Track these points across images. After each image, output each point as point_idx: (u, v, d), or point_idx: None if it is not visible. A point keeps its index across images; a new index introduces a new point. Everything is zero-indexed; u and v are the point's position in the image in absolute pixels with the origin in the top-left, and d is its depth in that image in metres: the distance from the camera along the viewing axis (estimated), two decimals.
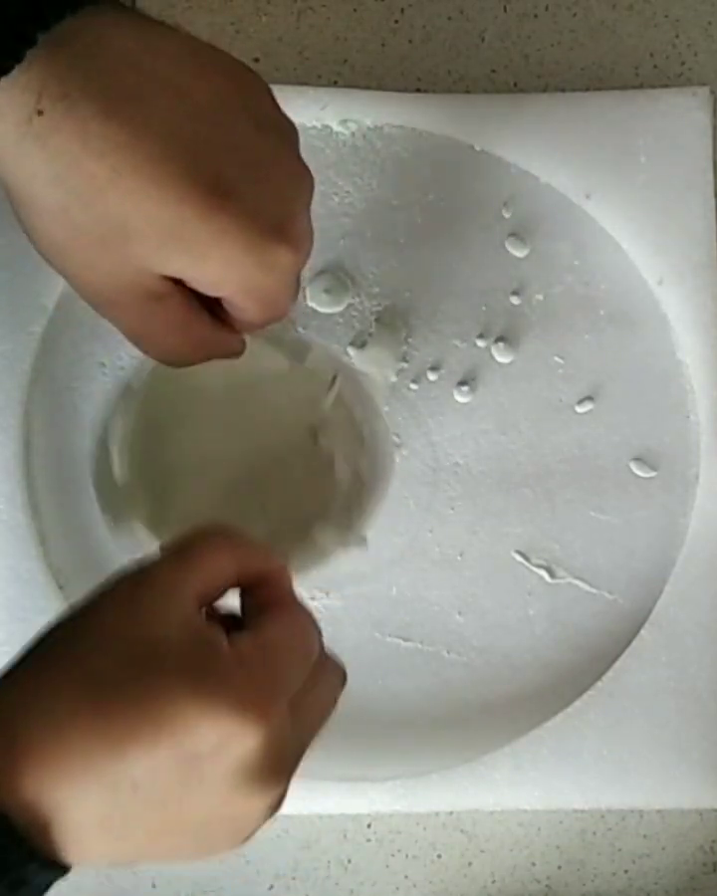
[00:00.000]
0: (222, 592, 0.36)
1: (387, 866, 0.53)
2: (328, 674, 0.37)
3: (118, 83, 0.32)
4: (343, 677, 0.38)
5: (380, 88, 0.54)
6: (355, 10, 0.55)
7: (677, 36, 0.55)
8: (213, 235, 0.33)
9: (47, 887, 0.32)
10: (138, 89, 0.33)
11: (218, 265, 0.34)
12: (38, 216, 0.34)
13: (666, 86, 0.54)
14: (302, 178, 0.37)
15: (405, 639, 0.52)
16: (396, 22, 0.55)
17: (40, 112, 0.31)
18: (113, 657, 0.32)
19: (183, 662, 0.32)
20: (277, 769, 0.33)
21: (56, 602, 0.52)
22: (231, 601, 0.37)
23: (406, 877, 0.53)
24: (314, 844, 0.53)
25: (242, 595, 0.37)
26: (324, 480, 0.43)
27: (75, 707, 0.31)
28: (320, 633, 0.37)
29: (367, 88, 0.54)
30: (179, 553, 0.35)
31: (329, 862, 0.53)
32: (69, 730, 0.31)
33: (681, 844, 0.53)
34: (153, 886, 0.52)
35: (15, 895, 0.30)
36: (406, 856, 0.53)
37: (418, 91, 0.54)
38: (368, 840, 0.53)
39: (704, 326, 0.52)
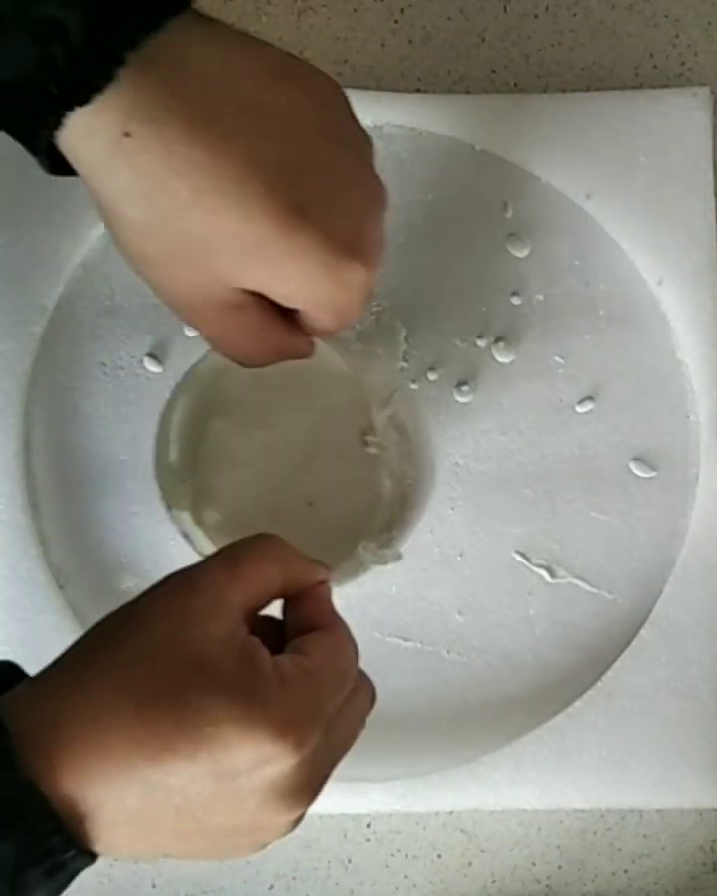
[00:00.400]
0: (268, 602, 0.37)
1: (387, 866, 0.53)
2: (361, 695, 0.38)
3: (201, 105, 0.33)
4: (373, 697, 0.39)
5: (380, 88, 0.54)
6: (355, 10, 0.55)
7: (677, 36, 0.55)
8: (290, 253, 0.35)
9: (76, 874, 0.33)
10: (220, 111, 0.34)
11: (294, 281, 0.36)
12: (125, 230, 0.36)
13: (666, 86, 0.54)
14: (376, 195, 0.38)
15: (405, 639, 0.52)
16: (396, 22, 0.55)
17: (128, 135, 0.33)
18: (159, 668, 0.33)
19: (227, 680, 0.33)
20: (306, 789, 0.34)
21: (56, 602, 0.52)
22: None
23: (406, 877, 0.53)
24: (314, 844, 0.53)
25: (285, 609, 0.39)
26: (371, 494, 0.44)
27: (120, 713, 0.32)
28: (358, 654, 0.38)
29: (367, 88, 0.54)
30: (228, 561, 0.36)
31: (329, 862, 0.53)
32: (112, 733, 0.32)
33: (681, 844, 0.53)
34: (153, 886, 0.52)
35: (51, 879, 0.32)
36: (406, 856, 0.53)
37: (418, 91, 0.54)
38: (368, 840, 0.53)
39: (704, 326, 0.52)
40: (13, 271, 0.53)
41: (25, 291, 0.53)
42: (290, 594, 0.38)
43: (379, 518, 0.44)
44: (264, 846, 0.36)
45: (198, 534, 0.44)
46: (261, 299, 0.37)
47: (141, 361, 0.53)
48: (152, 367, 0.53)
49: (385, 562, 0.45)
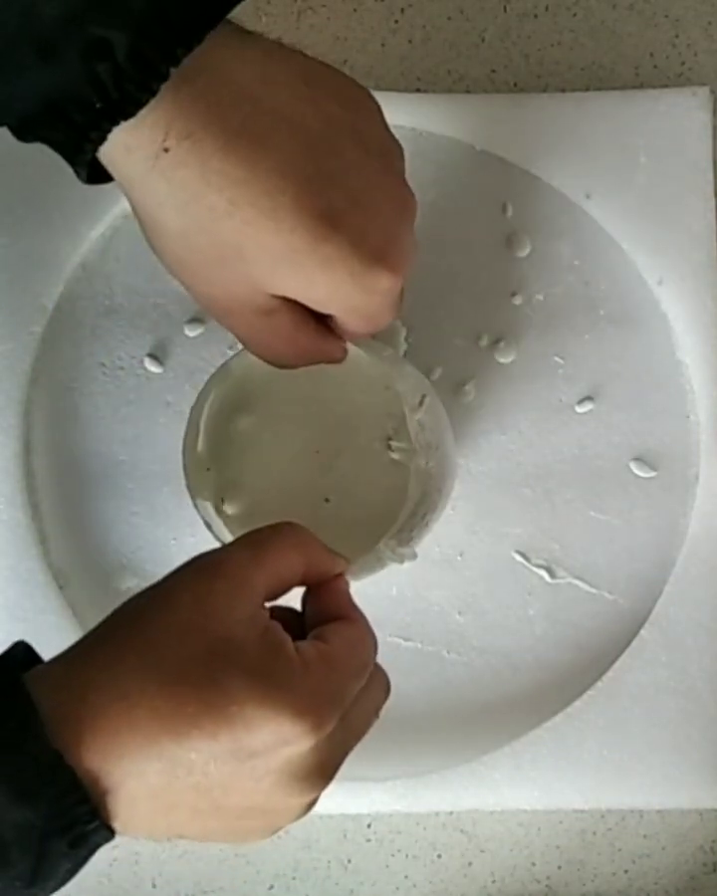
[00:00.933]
0: (289, 588, 0.38)
1: (387, 866, 0.53)
2: (377, 685, 0.39)
3: (235, 118, 0.35)
4: (387, 688, 0.40)
5: (380, 88, 0.54)
6: (355, 10, 0.55)
7: (677, 36, 0.55)
8: (320, 262, 0.36)
9: (96, 850, 0.34)
10: (254, 123, 0.35)
11: (324, 289, 0.37)
12: (163, 238, 0.37)
13: (666, 86, 0.54)
14: (405, 203, 0.39)
15: (405, 639, 0.52)
16: (396, 22, 0.55)
17: (166, 150, 0.34)
18: (184, 647, 0.34)
19: (251, 662, 0.34)
20: (321, 772, 0.35)
21: (56, 602, 0.52)
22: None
23: (406, 877, 0.53)
24: (314, 844, 0.53)
25: (306, 599, 0.40)
26: (396, 495, 0.45)
27: (145, 690, 0.33)
28: (376, 645, 0.39)
29: (367, 88, 0.54)
30: (253, 546, 0.37)
31: (329, 862, 0.53)
32: (138, 710, 0.33)
33: (681, 844, 0.53)
34: (153, 886, 0.53)
35: (75, 850, 0.33)
36: (406, 856, 0.53)
37: (418, 91, 0.54)
38: (368, 840, 0.53)
39: (704, 326, 0.52)
40: (13, 271, 0.53)
41: (25, 291, 0.53)
42: (310, 582, 0.39)
43: (403, 518, 0.45)
44: (276, 830, 0.37)
45: (219, 523, 0.45)
46: (293, 304, 0.38)
47: (141, 361, 0.53)
48: (152, 367, 0.53)
49: (402, 561, 0.45)
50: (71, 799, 0.32)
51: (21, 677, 0.33)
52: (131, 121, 0.34)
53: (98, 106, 0.33)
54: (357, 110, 0.38)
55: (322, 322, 0.40)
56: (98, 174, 0.36)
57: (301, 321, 0.39)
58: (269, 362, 0.42)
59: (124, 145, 0.34)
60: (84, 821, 0.33)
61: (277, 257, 0.36)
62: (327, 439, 0.47)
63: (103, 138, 0.34)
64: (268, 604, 0.37)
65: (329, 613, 0.39)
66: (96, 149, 0.35)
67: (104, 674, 0.34)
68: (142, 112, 0.34)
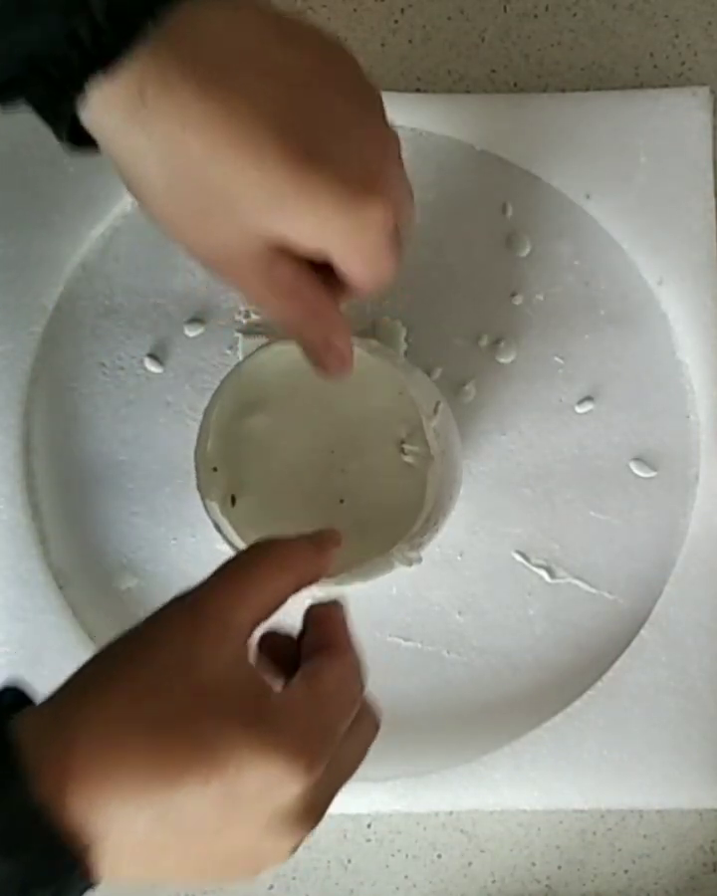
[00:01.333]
0: (279, 607, 0.37)
1: (387, 866, 0.53)
2: (366, 722, 0.38)
3: (211, 66, 0.35)
4: (376, 725, 0.39)
5: (380, 88, 0.54)
6: (355, 10, 0.55)
7: (677, 36, 0.55)
8: (305, 196, 0.36)
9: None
10: (228, 65, 0.35)
11: (313, 224, 0.37)
12: (149, 193, 0.37)
13: (666, 86, 0.54)
14: (388, 139, 0.38)
15: (405, 639, 0.52)
16: (396, 22, 0.55)
17: (144, 102, 0.34)
18: (171, 693, 0.33)
19: (239, 705, 0.33)
20: (311, 814, 0.35)
21: (56, 602, 0.52)
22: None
23: (406, 877, 0.53)
24: (314, 844, 0.53)
25: (303, 626, 0.39)
26: (412, 499, 0.45)
27: (134, 738, 0.33)
28: (365, 677, 0.38)
29: None
30: (232, 581, 0.36)
31: (329, 862, 0.53)
32: (127, 759, 0.32)
33: (681, 844, 0.53)
34: (153, 885, 0.52)
35: None
36: (406, 856, 0.53)
37: (418, 91, 0.54)
38: (368, 840, 0.53)
39: (704, 326, 0.52)
40: (13, 271, 0.53)
41: (25, 291, 0.53)
42: (303, 586, 0.38)
43: (418, 522, 0.45)
44: (263, 871, 0.36)
45: (227, 524, 0.45)
46: (293, 257, 0.38)
47: (141, 361, 0.53)
48: (152, 367, 0.53)
49: (410, 564, 0.45)
50: (55, 852, 0.32)
51: (7, 724, 0.33)
52: (110, 76, 0.34)
53: (76, 61, 0.34)
54: (331, 57, 0.37)
55: (329, 283, 0.39)
56: (79, 138, 0.36)
57: (301, 272, 0.38)
58: (279, 324, 0.41)
59: (103, 101, 0.34)
60: (67, 872, 0.32)
61: (263, 197, 0.36)
62: (342, 440, 0.47)
63: (81, 94, 0.34)
64: (263, 626, 0.36)
65: (323, 643, 0.38)
66: (75, 107, 0.35)
67: (90, 722, 0.33)
68: (121, 67, 0.34)
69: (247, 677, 0.34)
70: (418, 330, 0.53)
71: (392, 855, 0.53)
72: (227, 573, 0.37)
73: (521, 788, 0.51)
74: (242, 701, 0.34)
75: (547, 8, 0.55)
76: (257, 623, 0.36)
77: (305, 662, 0.37)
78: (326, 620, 0.39)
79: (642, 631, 0.52)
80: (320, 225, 0.37)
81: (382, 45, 0.55)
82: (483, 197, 0.53)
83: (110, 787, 0.32)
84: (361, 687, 0.38)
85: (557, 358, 0.53)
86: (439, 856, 0.53)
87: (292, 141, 0.35)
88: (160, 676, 0.34)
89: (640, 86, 0.54)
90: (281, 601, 0.37)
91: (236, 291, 0.40)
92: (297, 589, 0.38)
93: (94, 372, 0.53)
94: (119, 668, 0.34)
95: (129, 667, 0.34)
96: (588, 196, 0.53)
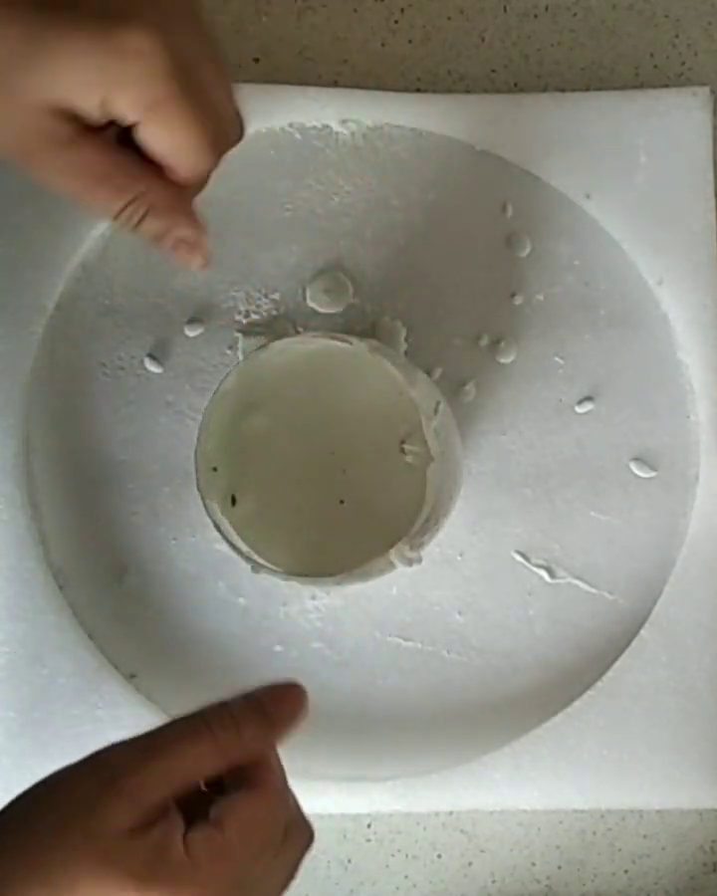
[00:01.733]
0: (203, 779, 0.36)
1: (387, 866, 0.53)
2: (291, 845, 0.38)
3: None
4: (310, 839, 0.39)
5: (380, 88, 0.54)
6: (355, 10, 0.55)
7: (677, 36, 0.55)
8: (61, 39, 0.34)
9: None
10: None
11: (77, 69, 0.35)
12: None
13: (666, 86, 0.54)
14: None
15: (405, 639, 0.52)
16: (396, 22, 0.55)
17: None
18: (73, 853, 0.33)
19: (138, 871, 0.33)
20: None
21: (56, 602, 0.52)
22: None
23: (406, 877, 0.53)
24: (314, 844, 0.53)
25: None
26: (412, 500, 0.45)
27: (29, 891, 0.33)
28: (294, 800, 0.38)
29: (367, 88, 0.54)
30: (151, 754, 0.35)
31: (329, 862, 0.53)
32: None
33: (681, 844, 0.53)
34: None
35: None
36: (406, 856, 0.53)
37: (418, 91, 0.54)
38: (368, 840, 0.53)
39: (704, 326, 0.52)
40: (13, 271, 0.53)
41: (25, 291, 0.53)
42: (236, 764, 0.37)
43: (418, 523, 0.45)
44: None
45: (227, 524, 0.45)
46: (92, 131, 0.36)
47: (141, 361, 0.53)
48: (152, 367, 0.53)
49: (410, 564, 0.45)
50: None
51: None
52: None
53: None
54: None
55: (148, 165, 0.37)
56: None
57: (108, 149, 0.36)
58: (104, 216, 0.38)
59: None
60: None
61: (25, 53, 0.34)
62: (342, 441, 0.47)
63: None
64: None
65: (243, 778, 0.37)
66: None
67: None
68: None
69: (150, 844, 0.34)
70: (418, 330, 0.53)
71: (392, 855, 0.53)
72: (145, 744, 0.36)
73: (521, 788, 0.51)
74: (141, 866, 0.33)
75: (547, 8, 0.55)
76: (175, 793, 0.35)
77: (221, 799, 0.36)
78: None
79: (642, 631, 0.52)
80: (82, 68, 0.34)
81: (382, 45, 0.55)
82: (483, 197, 0.53)
83: None
84: (279, 821, 0.37)
85: (557, 358, 0.53)
86: (439, 856, 0.53)
87: None
88: (63, 835, 0.34)
89: (640, 86, 0.54)
90: (207, 774, 0.36)
91: (47, 185, 0.37)
92: (230, 764, 0.36)
93: (94, 372, 0.53)
94: (26, 821, 0.35)
95: (35, 821, 0.34)
96: (588, 196, 0.53)
